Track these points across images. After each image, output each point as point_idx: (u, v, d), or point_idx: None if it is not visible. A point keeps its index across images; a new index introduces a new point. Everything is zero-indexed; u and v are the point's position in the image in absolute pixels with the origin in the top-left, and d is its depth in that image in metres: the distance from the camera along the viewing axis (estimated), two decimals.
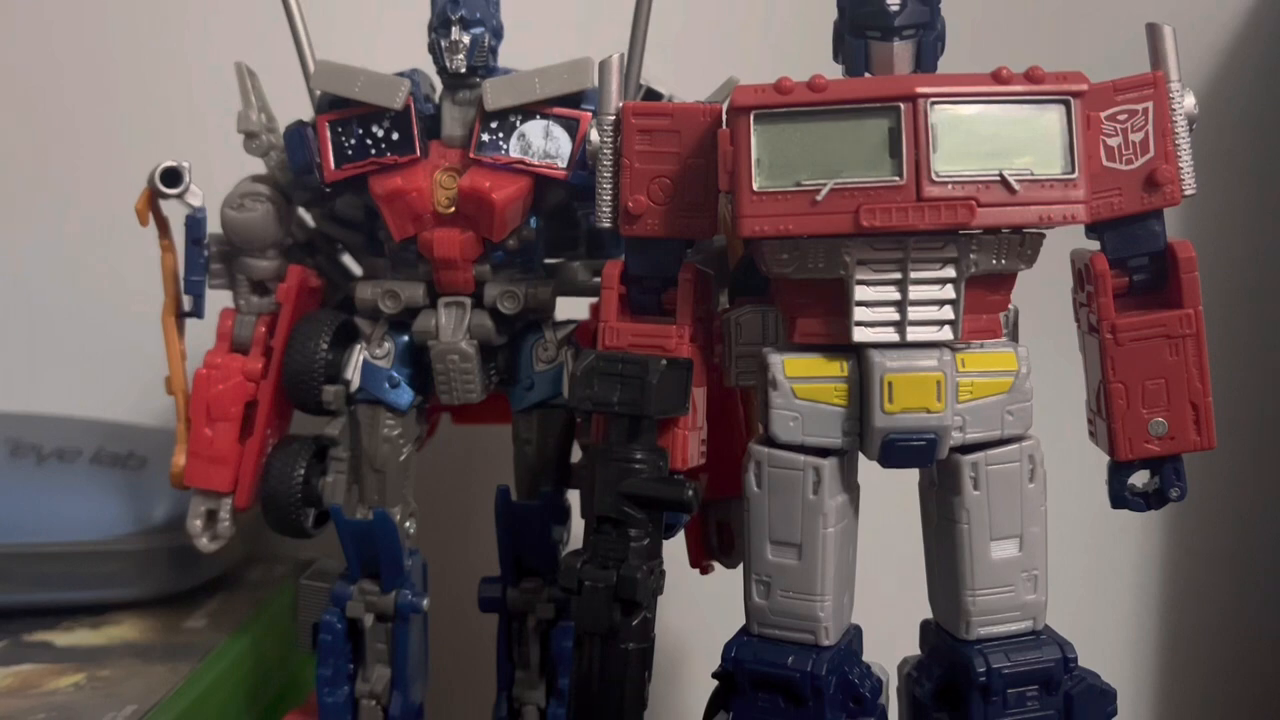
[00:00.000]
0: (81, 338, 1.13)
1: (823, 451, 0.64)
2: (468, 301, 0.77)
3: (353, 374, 0.78)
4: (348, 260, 0.87)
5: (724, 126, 0.64)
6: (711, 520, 0.80)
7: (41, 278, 1.13)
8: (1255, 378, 1.07)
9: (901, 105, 0.60)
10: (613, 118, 0.67)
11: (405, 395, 0.78)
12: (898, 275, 0.62)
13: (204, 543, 0.79)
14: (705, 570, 0.82)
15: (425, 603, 0.79)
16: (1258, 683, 1.10)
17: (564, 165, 0.74)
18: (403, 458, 0.79)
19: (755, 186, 0.61)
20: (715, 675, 0.67)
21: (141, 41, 1.12)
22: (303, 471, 0.77)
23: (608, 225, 0.67)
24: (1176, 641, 1.11)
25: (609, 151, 0.67)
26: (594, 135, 0.68)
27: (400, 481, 0.79)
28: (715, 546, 0.81)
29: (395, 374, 0.78)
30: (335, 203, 0.81)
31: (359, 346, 0.78)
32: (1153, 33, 0.66)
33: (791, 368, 0.64)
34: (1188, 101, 0.65)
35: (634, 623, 0.64)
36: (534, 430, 0.79)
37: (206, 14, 1.10)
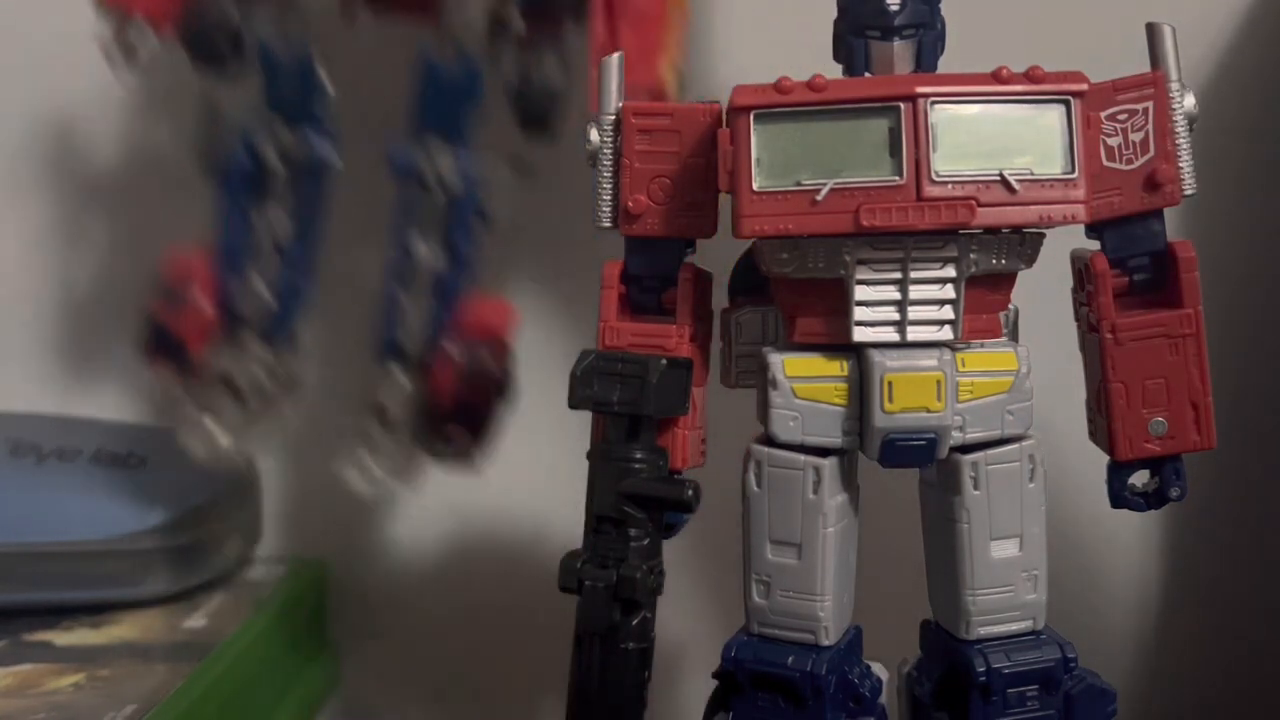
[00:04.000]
0: (81, 338, 1.13)
1: (823, 451, 0.64)
2: None
3: None
4: None
5: (724, 126, 0.64)
6: None
7: (41, 277, 1.13)
8: (1255, 378, 1.07)
9: (901, 105, 0.60)
10: (613, 117, 0.67)
11: None
12: (898, 275, 0.62)
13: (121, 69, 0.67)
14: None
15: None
16: (1258, 683, 1.10)
17: None
18: None
19: (755, 186, 0.61)
20: (715, 675, 0.67)
21: None
22: None
23: (608, 225, 0.67)
24: (1176, 642, 1.11)
25: (609, 151, 0.67)
26: (594, 135, 0.68)
27: None
28: None
29: None
30: None
31: None
32: (1153, 33, 0.66)
33: (791, 367, 0.64)
34: (1188, 101, 0.65)
35: (634, 623, 0.64)
36: None
37: None
